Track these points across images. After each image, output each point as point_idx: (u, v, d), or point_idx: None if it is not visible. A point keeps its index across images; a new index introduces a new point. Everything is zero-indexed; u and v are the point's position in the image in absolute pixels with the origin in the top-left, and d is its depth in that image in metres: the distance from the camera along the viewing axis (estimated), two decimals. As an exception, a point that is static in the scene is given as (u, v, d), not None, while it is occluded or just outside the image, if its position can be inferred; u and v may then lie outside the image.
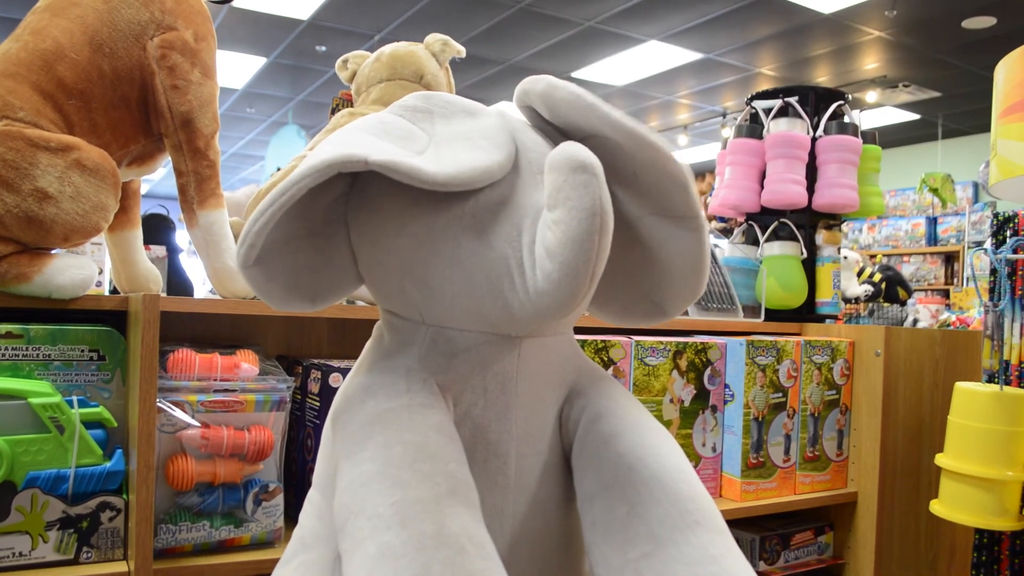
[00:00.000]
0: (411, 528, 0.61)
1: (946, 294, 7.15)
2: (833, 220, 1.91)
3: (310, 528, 0.80)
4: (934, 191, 7.60)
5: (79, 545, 1.00)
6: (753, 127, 1.88)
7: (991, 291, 1.36)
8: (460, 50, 1.54)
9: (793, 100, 1.85)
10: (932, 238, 8.55)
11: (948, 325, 3.40)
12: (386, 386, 0.73)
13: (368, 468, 0.66)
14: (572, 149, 0.67)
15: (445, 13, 5.89)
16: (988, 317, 1.33)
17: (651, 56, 6.80)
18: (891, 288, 4.50)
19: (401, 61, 1.48)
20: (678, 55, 6.76)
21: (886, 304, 4.16)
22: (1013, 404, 1.25)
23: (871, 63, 6.81)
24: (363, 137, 0.71)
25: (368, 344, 0.83)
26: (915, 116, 8.12)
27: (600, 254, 0.67)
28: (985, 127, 8.14)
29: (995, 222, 1.39)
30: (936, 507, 1.32)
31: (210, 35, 1.24)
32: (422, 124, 0.76)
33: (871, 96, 7.44)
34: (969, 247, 8.09)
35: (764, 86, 7.64)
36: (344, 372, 1.16)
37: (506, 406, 0.77)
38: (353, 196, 0.77)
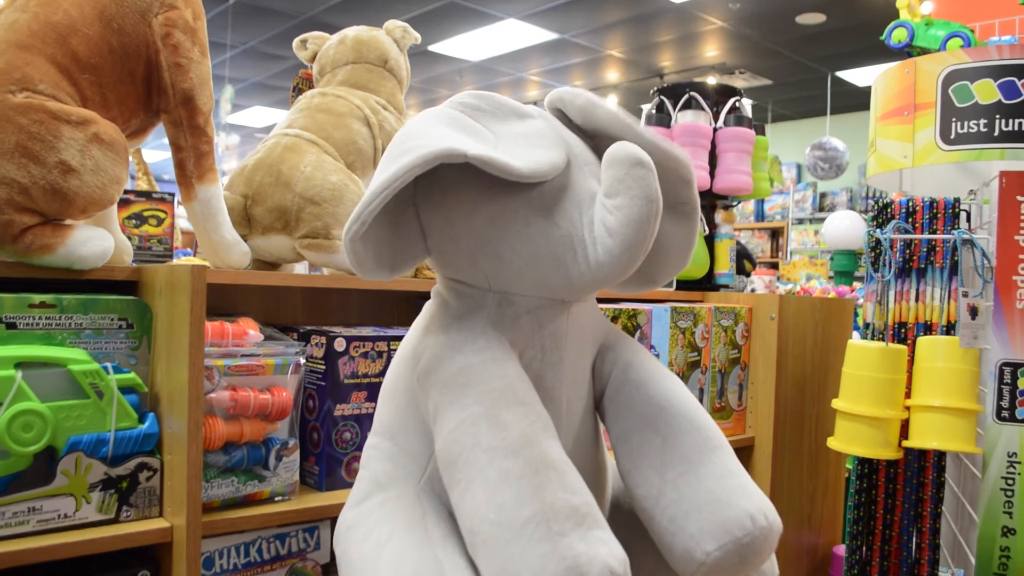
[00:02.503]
0: (524, 456, 0.76)
1: (774, 266, 7.85)
2: (728, 201, 2.16)
3: (383, 470, 0.91)
4: (763, 171, 8.28)
5: (119, 505, 1.05)
6: (661, 116, 2.09)
7: (874, 263, 1.63)
8: (417, 37, 1.64)
9: (696, 94, 2.07)
10: (760, 215, 9.31)
11: (793, 294, 3.82)
12: (468, 343, 0.86)
13: (475, 410, 0.79)
14: (630, 148, 0.82)
15: (305, -19, 5.79)
16: (879, 285, 1.60)
17: (508, 34, 6.95)
18: (739, 261, 4.94)
19: (366, 46, 1.56)
20: (534, 34, 6.95)
21: (728, 275, 4.58)
22: (895, 357, 1.52)
23: (712, 50, 7.31)
24: (450, 132, 0.82)
25: (432, 308, 0.94)
26: (747, 101, 8.77)
27: (653, 234, 0.83)
28: (809, 113, 8.96)
29: (876, 207, 1.67)
30: (832, 443, 1.58)
31: (203, 14, 1.27)
32: (482, 121, 0.88)
33: (710, 80, 7.99)
34: (792, 223, 8.88)
35: (612, 68, 8.03)
36: (348, 339, 1.25)
37: (559, 359, 0.91)
38: (422, 181, 0.88)
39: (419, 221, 0.90)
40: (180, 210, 1.51)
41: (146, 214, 1.94)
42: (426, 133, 0.82)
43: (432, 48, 7.38)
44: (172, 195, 1.82)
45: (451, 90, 8.85)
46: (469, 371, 0.83)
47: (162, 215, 1.83)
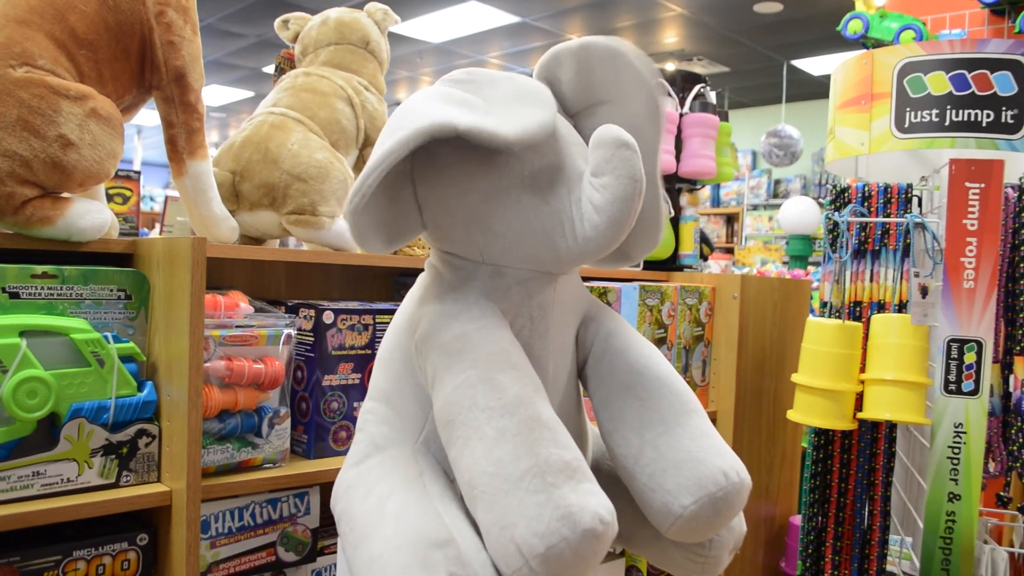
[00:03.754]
0: (519, 415, 0.82)
1: (730, 251, 8.00)
2: (693, 185, 2.23)
3: (380, 433, 0.97)
4: (720, 158, 8.41)
5: (119, 469, 1.08)
6: (630, 101, 2.15)
7: (832, 244, 1.72)
8: (397, 19, 1.68)
9: (663, 81, 2.14)
10: (715, 200, 9.47)
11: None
12: (463, 311, 0.91)
13: (472, 374, 0.85)
14: (616, 130, 0.88)
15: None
16: (836, 266, 1.69)
17: (469, 16, 6.93)
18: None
19: (348, 27, 1.59)
20: (495, 16, 6.95)
21: (686, 259, 4.69)
22: (851, 333, 1.62)
23: (671, 37, 7.39)
24: (444, 107, 0.87)
25: (426, 279, 1.00)
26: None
27: (637, 212, 0.89)
28: (765, 101, 9.11)
29: (834, 191, 1.75)
30: (792, 414, 1.68)
31: (194, -7, 1.30)
32: (473, 90, 0.93)
33: (669, 66, 8.10)
34: (747, 209, 9.05)
35: (573, 52, 8.08)
36: (336, 312, 1.29)
37: (546, 328, 0.98)
38: (419, 158, 0.93)
39: (416, 197, 0.95)
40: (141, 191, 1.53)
41: (112, 192, 1.95)
42: (420, 110, 0.86)
43: (392, 28, 7.34)
44: (138, 173, 1.83)
45: (410, 71, 8.81)
46: (465, 337, 0.88)
47: (128, 193, 1.84)
